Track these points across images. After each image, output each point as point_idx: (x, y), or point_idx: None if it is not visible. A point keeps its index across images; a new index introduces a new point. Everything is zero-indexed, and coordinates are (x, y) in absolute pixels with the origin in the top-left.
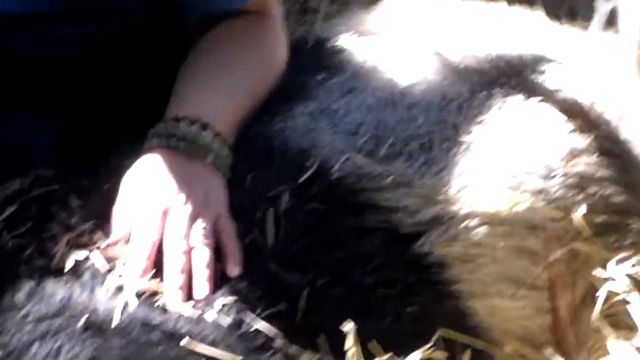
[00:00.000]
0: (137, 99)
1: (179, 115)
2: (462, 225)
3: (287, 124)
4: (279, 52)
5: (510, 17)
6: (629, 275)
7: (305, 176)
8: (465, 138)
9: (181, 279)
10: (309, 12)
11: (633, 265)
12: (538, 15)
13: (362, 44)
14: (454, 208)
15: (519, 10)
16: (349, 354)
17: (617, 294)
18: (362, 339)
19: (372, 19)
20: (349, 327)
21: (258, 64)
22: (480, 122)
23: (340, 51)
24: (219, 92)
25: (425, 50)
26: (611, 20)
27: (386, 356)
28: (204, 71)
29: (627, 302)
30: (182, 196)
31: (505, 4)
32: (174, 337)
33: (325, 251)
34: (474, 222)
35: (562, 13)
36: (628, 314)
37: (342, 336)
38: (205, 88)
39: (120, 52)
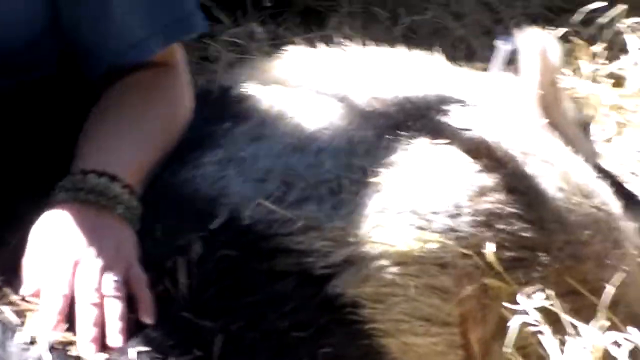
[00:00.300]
0: (42, 153)
1: (86, 168)
2: (374, 265)
3: (196, 172)
4: (186, 102)
5: (411, 60)
6: (538, 308)
7: (216, 224)
8: (374, 180)
9: (94, 331)
10: (210, 60)
11: (543, 299)
12: (437, 57)
13: (266, 91)
14: (365, 249)
15: (419, 53)
16: None
17: (528, 327)
18: None
19: (275, 66)
20: None
21: (165, 114)
22: (388, 164)
23: (245, 99)
24: (127, 144)
25: (330, 95)
26: (510, 61)
27: None
28: (111, 123)
29: (538, 334)
30: (93, 249)
31: (404, 48)
32: None
33: (238, 297)
34: (385, 262)
35: (460, 55)
36: (539, 345)
37: None
38: (112, 140)
39: (23, 107)
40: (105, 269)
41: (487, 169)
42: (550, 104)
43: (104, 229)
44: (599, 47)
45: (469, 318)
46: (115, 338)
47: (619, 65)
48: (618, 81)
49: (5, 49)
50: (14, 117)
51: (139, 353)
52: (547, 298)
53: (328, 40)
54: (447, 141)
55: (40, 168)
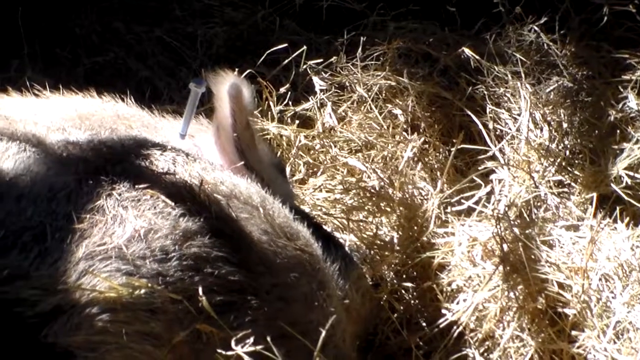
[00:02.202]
0: None
1: None
2: (84, 313)
3: None
4: None
5: (102, 103)
6: (248, 353)
7: None
8: (79, 226)
9: None
10: None
11: (253, 343)
12: (125, 100)
13: None
14: (75, 297)
15: (107, 96)
16: None
17: None
18: None
19: None
20: None
21: None
22: (92, 209)
23: None
24: None
25: (25, 141)
26: (202, 103)
27: None
28: None
29: None
30: None
31: (91, 91)
32: None
33: None
34: (95, 309)
35: (146, 97)
36: None
37: None
38: None
39: None
40: None
41: (191, 212)
42: (246, 146)
43: None
44: (283, 89)
45: None
46: None
47: (305, 107)
48: (306, 122)
49: None
50: None
51: None
52: (260, 342)
53: (11, 84)
54: (149, 185)
55: None
